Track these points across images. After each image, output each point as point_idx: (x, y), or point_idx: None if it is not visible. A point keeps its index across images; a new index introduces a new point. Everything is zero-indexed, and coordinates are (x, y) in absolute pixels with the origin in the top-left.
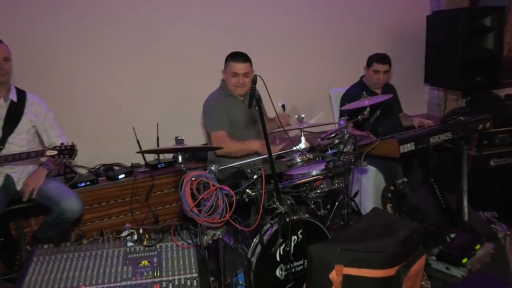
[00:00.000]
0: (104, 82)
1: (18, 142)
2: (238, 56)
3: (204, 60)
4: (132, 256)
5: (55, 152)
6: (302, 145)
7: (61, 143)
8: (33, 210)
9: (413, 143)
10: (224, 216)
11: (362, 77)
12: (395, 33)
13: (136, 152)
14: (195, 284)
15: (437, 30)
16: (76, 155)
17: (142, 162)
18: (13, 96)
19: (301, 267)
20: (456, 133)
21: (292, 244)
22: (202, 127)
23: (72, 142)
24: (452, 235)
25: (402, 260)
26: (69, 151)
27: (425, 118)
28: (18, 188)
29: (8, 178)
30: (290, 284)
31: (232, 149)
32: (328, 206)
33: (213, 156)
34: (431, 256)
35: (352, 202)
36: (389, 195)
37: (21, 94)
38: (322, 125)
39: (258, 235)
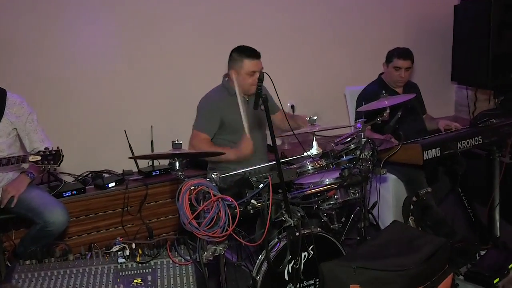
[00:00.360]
0: (93, 80)
1: None
2: (253, 53)
3: (204, 56)
4: (123, 273)
5: (39, 158)
6: (314, 150)
7: (45, 148)
8: (13, 222)
9: (438, 148)
10: (227, 230)
11: (381, 74)
12: (419, 25)
13: (128, 158)
14: None
15: (466, 22)
16: (62, 161)
17: (135, 169)
18: None
19: (312, 287)
20: (487, 138)
21: (302, 262)
22: None
23: (58, 147)
24: (482, 252)
25: (426, 280)
26: (54, 156)
27: (452, 120)
28: None
29: None
30: None
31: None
32: (343, 219)
33: (214, 162)
34: (458, 276)
35: (370, 215)
36: (411, 207)
37: (1, 93)
38: (336, 128)
39: (264, 251)
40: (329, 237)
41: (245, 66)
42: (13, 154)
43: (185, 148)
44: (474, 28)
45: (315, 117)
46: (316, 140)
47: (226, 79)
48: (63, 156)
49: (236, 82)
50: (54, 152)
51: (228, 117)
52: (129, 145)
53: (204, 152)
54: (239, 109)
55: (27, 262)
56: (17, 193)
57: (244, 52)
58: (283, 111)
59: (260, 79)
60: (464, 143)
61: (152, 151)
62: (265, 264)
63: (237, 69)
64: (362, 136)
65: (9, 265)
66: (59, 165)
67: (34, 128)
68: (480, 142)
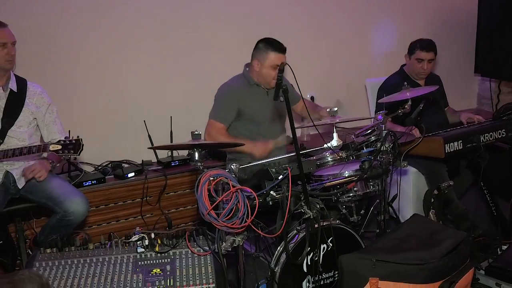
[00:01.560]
0: (112, 71)
1: (19, 135)
2: (279, 47)
3: (224, 46)
4: (142, 263)
5: (59, 147)
6: (334, 142)
7: (65, 137)
8: (34, 211)
9: (460, 141)
10: (245, 221)
11: (403, 65)
12: (442, 15)
13: (148, 148)
14: None
15: (490, 12)
16: (82, 150)
17: (154, 160)
18: (13, 85)
19: (330, 279)
20: (510, 131)
21: (321, 254)
22: None
23: (78, 136)
24: (504, 247)
25: (447, 275)
26: (74, 145)
27: (475, 113)
28: (20, 186)
29: (7, 175)
30: None
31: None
32: (362, 212)
33: (233, 153)
34: (479, 271)
35: (390, 208)
36: (432, 200)
37: (22, 83)
38: (357, 120)
39: (283, 243)
40: (349, 229)
41: (269, 58)
42: (34, 143)
43: (204, 138)
44: (499, 19)
45: (336, 108)
46: (336, 132)
47: (247, 68)
48: (83, 145)
49: (259, 73)
50: (74, 142)
51: (246, 107)
52: (149, 135)
53: (223, 143)
54: (259, 99)
55: (48, 250)
56: (44, 169)
57: (271, 44)
58: (304, 102)
59: (281, 70)
60: (487, 136)
61: (171, 141)
62: (284, 255)
63: (261, 60)
64: (383, 128)
65: (31, 253)
66: (79, 154)
67: (53, 119)
68: (503, 136)
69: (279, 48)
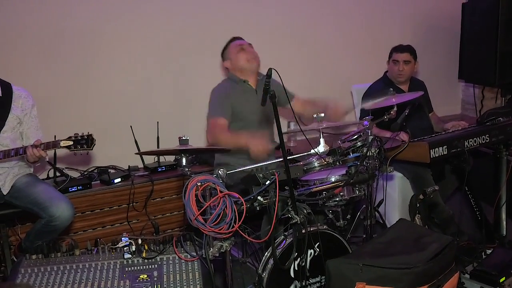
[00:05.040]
0: (98, 75)
1: (2, 141)
2: (232, 38)
3: (211, 52)
4: (129, 269)
5: (71, 143)
6: (321, 147)
7: (75, 133)
8: (19, 216)
9: (445, 146)
10: (233, 226)
11: (386, 72)
12: (426, 22)
13: (135, 154)
14: None
15: (474, 20)
16: (95, 144)
17: (140, 165)
18: None
19: (318, 284)
20: (494, 136)
21: (308, 259)
22: None
23: (88, 132)
24: (489, 251)
25: (432, 278)
26: (86, 140)
27: (459, 119)
28: (5, 192)
29: None
30: None
31: (222, 141)
32: (348, 217)
33: (221, 158)
34: (464, 274)
35: (376, 213)
36: (418, 204)
37: (6, 87)
38: (345, 125)
39: (270, 248)
40: (335, 234)
41: (231, 48)
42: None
43: (191, 144)
44: (482, 26)
45: (322, 114)
46: (323, 137)
47: (228, 72)
48: (95, 140)
49: (235, 68)
50: (86, 137)
51: (237, 106)
52: (135, 141)
53: (210, 148)
54: (248, 99)
55: (33, 256)
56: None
57: (228, 42)
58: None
59: (269, 75)
60: (471, 141)
61: (158, 147)
62: (271, 261)
63: (228, 57)
64: (369, 134)
65: (15, 259)
66: (92, 149)
67: (35, 124)
68: (487, 141)
69: (234, 38)
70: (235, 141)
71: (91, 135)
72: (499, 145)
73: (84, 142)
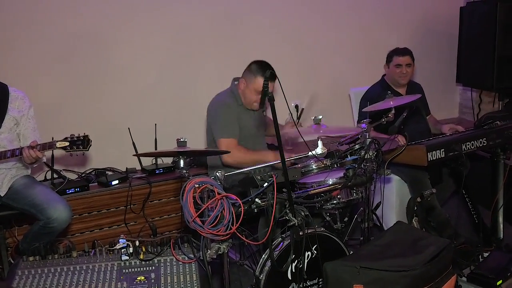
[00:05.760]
0: (97, 77)
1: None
2: (268, 72)
3: (209, 54)
4: (127, 271)
5: (67, 144)
6: (319, 150)
7: (71, 134)
8: (16, 218)
9: (443, 150)
10: (230, 228)
11: (384, 75)
12: (424, 26)
13: (133, 155)
14: None
15: (471, 24)
16: (90, 145)
17: (138, 167)
18: None
19: (315, 286)
20: (491, 140)
21: (306, 261)
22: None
23: (84, 133)
24: (486, 254)
25: (429, 281)
26: (82, 141)
27: (457, 122)
28: (2, 194)
29: None
30: None
31: (244, 160)
32: (346, 219)
33: (216, 162)
34: (461, 277)
35: (373, 215)
36: (415, 207)
37: (3, 88)
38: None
39: (267, 250)
40: (333, 237)
41: (256, 83)
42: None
43: (189, 145)
44: (480, 30)
45: (320, 116)
46: (321, 140)
47: (236, 82)
48: (91, 141)
49: (243, 92)
50: (82, 138)
51: (239, 124)
52: (133, 142)
53: (210, 151)
54: (246, 115)
55: (31, 258)
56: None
57: (262, 69)
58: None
59: (266, 78)
60: (468, 144)
61: (156, 149)
62: (269, 263)
63: (248, 82)
64: (367, 137)
65: (12, 261)
66: (88, 150)
67: (32, 125)
68: (484, 144)
69: (268, 76)
70: (261, 159)
71: (87, 136)
72: (496, 149)
73: (80, 143)
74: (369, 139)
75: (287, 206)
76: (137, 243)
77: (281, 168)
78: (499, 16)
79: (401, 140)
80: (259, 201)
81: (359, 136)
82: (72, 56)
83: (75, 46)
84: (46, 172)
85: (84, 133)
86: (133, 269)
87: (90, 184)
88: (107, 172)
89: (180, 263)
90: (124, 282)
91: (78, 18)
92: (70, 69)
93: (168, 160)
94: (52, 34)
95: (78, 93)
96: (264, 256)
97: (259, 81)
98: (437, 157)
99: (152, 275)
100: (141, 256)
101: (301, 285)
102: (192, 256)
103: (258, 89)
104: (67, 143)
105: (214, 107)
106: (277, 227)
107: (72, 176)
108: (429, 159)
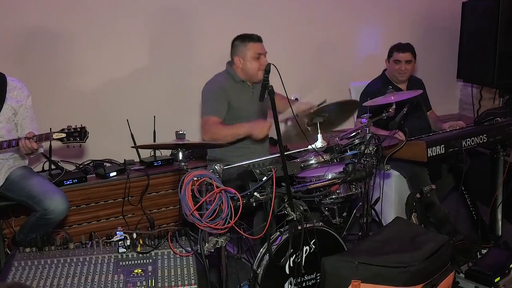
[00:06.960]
0: (95, 69)
1: None
2: (255, 36)
3: (208, 45)
4: (124, 263)
5: (63, 135)
6: (319, 143)
7: (68, 126)
8: (13, 209)
9: (443, 146)
10: (229, 222)
11: (385, 70)
12: (425, 21)
13: (131, 147)
14: None
15: (473, 19)
16: (87, 137)
17: (136, 159)
18: None
19: (313, 281)
20: (491, 136)
21: (304, 256)
22: None
23: (81, 124)
24: (484, 251)
25: (428, 277)
26: (79, 133)
27: (457, 118)
28: None
29: None
30: None
31: (219, 135)
32: (345, 214)
33: (214, 154)
34: (459, 274)
35: (372, 211)
36: (414, 203)
37: (1, 78)
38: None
39: (265, 244)
40: (331, 231)
41: (250, 49)
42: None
43: (188, 138)
44: (482, 26)
45: (325, 99)
46: (321, 133)
47: (230, 66)
48: (88, 132)
49: (243, 68)
50: (79, 129)
51: (234, 103)
52: (131, 134)
53: (208, 143)
54: (245, 96)
55: (27, 249)
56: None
57: (247, 37)
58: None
59: (267, 71)
60: (468, 141)
61: (155, 141)
62: (266, 257)
63: (242, 55)
64: (367, 131)
65: (9, 252)
66: (85, 142)
67: (30, 115)
68: (484, 141)
69: (256, 38)
70: (234, 131)
71: (84, 127)
72: (496, 146)
73: (77, 134)
74: (369, 134)
75: (285, 200)
76: (134, 235)
77: (281, 162)
78: (501, 12)
79: (400, 135)
80: (258, 195)
81: (359, 130)
82: (71, 47)
83: (73, 37)
84: (44, 163)
85: (81, 125)
86: (130, 262)
87: (88, 176)
88: (105, 163)
89: (178, 256)
90: (121, 275)
91: (76, 6)
92: (68, 59)
93: (167, 153)
94: (50, 23)
95: (77, 84)
96: (262, 250)
97: (251, 45)
98: (437, 153)
99: (149, 268)
100: (139, 249)
101: (298, 280)
102: (190, 249)
103: (255, 53)
104: (64, 135)
105: (206, 87)
106: (275, 221)
107: (70, 167)
108: (429, 155)
